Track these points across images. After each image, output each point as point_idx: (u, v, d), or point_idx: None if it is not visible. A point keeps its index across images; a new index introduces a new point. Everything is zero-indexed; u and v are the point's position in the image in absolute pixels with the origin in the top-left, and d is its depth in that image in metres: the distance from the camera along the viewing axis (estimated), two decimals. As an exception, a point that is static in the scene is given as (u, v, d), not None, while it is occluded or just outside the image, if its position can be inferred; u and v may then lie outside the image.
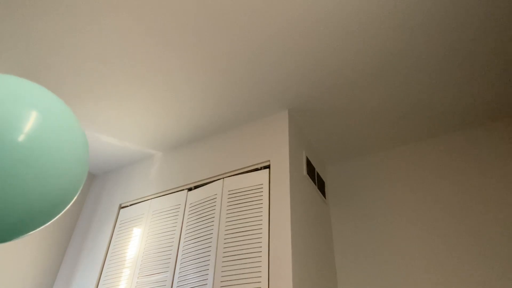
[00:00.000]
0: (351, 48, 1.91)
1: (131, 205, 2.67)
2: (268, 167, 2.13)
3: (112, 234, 2.59)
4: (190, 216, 2.25)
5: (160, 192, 2.55)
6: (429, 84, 2.07)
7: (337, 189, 2.62)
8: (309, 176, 2.28)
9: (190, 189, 2.41)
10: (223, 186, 2.19)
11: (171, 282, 2.05)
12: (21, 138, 0.38)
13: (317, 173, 2.48)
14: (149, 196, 2.59)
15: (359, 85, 2.11)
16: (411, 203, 2.29)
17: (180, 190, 2.45)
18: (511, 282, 1.82)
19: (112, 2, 1.76)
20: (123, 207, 2.71)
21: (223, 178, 2.25)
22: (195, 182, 2.40)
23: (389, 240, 2.24)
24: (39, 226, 0.53)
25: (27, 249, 2.56)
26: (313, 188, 2.33)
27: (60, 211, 0.55)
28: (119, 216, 2.66)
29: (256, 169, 2.17)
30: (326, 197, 2.52)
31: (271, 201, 1.96)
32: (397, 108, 2.24)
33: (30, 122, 0.42)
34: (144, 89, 2.22)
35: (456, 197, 2.18)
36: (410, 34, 1.82)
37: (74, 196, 0.52)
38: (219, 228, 2.02)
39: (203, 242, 2.05)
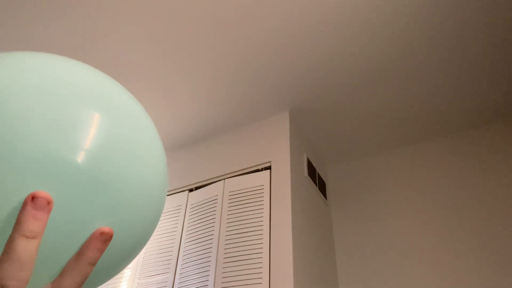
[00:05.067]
0: (352, 49, 1.90)
1: (132, 206, 2.67)
2: (269, 168, 2.13)
3: (113, 235, 2.59)
4: (191, 217, 2.25)
5: (161, 193, 2.55)
6: (429, 85, 2.07)
7: (338, 190, 2.62)
8: (310, 177, 2.28)
9: (191, 190, 2.41)
10: (224, 187, 2.19)
11: (172, 283, 2.05)
12: (81, 158, 0.26)
13: (318, 174, 2.48)
14: (150, 197, 2.59)
15: (360, 86, 2.10)
16: (412, 204, 2.29)
17: (181, 191, 2.45)
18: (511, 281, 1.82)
19: (112, 5, 1.76)
20: (124, 208, 2.71)
21: (224, 179, 2.25)
22: (196, 183, 2.40)
23: (390, 241, 2.23)
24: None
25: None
26: (314, 189, 2.33)
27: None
28: (120, 217, 2.66)
29: (257, 170, 2.17)
30: (327, 198, 2.52)
31: (272, 202, 1.96)
32: (398, 109, 2.24)
33: (96, 135, 0.27)
34: (144, 90, 2.22)
35: (457, 198, 2.17)
36: (411, 35, 1.82)
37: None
38: (220, 229, 2.02)
39: (204, 243, 2.05)
